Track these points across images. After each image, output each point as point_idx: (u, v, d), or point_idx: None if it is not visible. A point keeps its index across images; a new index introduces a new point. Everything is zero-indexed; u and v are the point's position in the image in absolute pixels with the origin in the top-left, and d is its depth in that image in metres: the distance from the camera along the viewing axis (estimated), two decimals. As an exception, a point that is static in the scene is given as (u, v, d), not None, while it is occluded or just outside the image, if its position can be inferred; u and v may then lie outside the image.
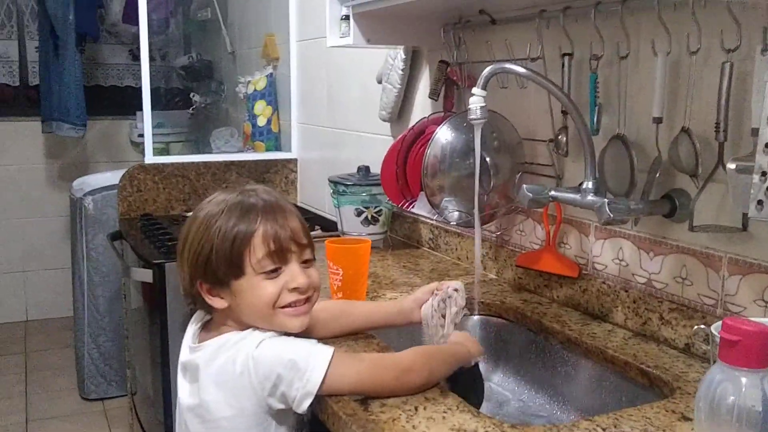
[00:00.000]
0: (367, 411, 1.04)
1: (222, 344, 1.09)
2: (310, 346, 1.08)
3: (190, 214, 1.17)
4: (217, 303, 1.11)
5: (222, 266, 1.09)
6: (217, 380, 1.08)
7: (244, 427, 1.08)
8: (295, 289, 1.11)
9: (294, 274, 1.11)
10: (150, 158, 2.79)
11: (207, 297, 1.11)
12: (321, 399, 1.08)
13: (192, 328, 1.19)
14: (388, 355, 1.19)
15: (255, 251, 1.08)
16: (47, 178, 4.39)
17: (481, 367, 1.30)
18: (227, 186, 1.22)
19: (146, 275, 2.16)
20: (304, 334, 1.15)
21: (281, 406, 1.07)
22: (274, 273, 1.10)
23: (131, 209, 2.75)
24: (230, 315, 1.13)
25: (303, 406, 1.05)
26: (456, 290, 1.30)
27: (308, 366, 1.05)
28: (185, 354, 1.16)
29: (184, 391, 1.14)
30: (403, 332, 1.45)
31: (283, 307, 1.11)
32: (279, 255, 1.10)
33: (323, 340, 1.20)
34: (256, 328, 1.11)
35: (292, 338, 1.10)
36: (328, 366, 1.05)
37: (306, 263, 1.14)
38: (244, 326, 1.12)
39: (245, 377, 1.05)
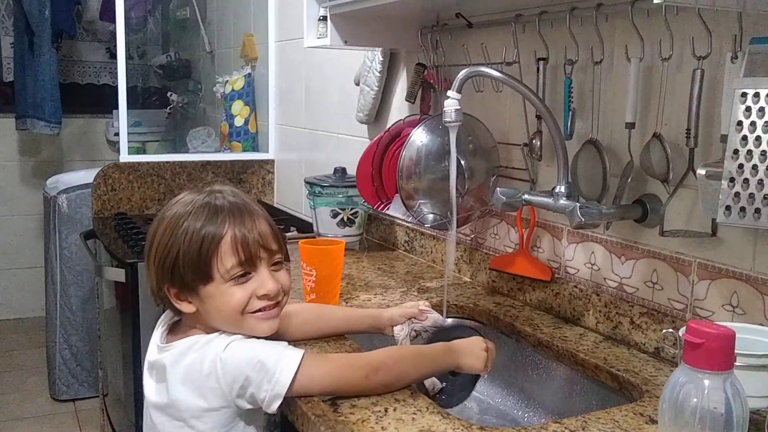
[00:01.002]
0: (336, 412, 1.04)
1: (190, 346, 1.08)
2: (279, 348, 1.07)
3: (158, 214, 1.15)
4: (185, 307, 1.10)
5: (189, 272, 1.07)
6: (184, 380, 1.07)
7: (211, 425, 1.07)
8: (264, 296, 1.10)
9: (263, 280, 1.10)
10: (125, 157, 2.76)
11: (174, 301, 1.10)
12: (290, 400, 1.07)
13: (160, 329, 1.18)
14: (357, 355, 1.19)
15: (223, 258, 1.06)
16: (21, 176, 4.34)
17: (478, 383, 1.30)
18: (196, 186, 1.17)
19: (119, 275, 2.14)
20: (277, 335, 1.14)
21: (250, 407, 1.06)
22: (243, 278, 1.09)
23: (105, 208, 2.72)
24: (198, 319, 1.12)
25: (272, 407, 1.05)
26: (433, 327, 1.33)
27: (277, 368, 1.04)
28: (153, 353, 1.15)
29: (151, 390, 1.13)
30: (375, 336, 1.45)
31: (252, 312, 1.10)
32: (248, 262, 1.08)
33: (295, 342, 1.20)
34: (224, 331, 1.10)
35: (261, 341, 1.09)
36: (298, 367, 1.04)
37: (275, 266, 1.12)
38: (211, 330, 1.11)
39: (213, 378, 1.04)
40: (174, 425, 1.09)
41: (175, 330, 1.16)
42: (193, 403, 1.06)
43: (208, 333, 1.10)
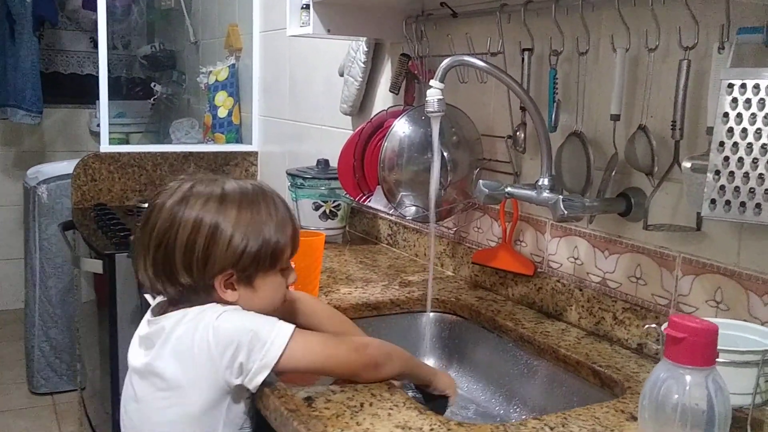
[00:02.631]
0: (310, 407, 1.01)
1: (183, 316, 1.06)
2: (272, 320, 1.06)
3: (215, 194, 1.08)
4: (229, 296, 1.08)
5: (268, 259, 1.09)
6: (175, 350, 1.05)
7: (198, 398, 1.04)
8: (289, 285, 1.16)
9: (293, 272, 1.16)
10: (105, 147, 2.72)
11: (221, 289, 1.08)
12: (264, 395, 1.05)
13: (149, 312, 1.16)
14: (347, 336, 1.21)
15: (284, 248, 1.11)
16: (2, 166, 4.27)
17: (431, 364, 1.28)
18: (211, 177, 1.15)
19: (96, 266, 2.10)
20: (287, 318, 1.13)
21: (237, 381, 1.04)
22: (287, 269, 1.14)
23: (85, 199, 2.67)
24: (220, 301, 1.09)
25: (256, 381, 1.03)
26: None
27: (269, 337, 1.03)
28: (143, 329, 1.13)
29: (138, 358, 1.11)
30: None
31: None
32: (293, 253, 1.15)
33: None
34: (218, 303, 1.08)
35: (253, 313, 1.08)
36: (289, 339, 1.03)
37: None
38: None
39: (204, 346, 1.02)
40: (160, 396, 1.07)
41: (165, 309, 1.13)
42: (182, 372, 1.04)
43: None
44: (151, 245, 1.07)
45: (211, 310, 1.06)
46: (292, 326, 1.06)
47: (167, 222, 1.06)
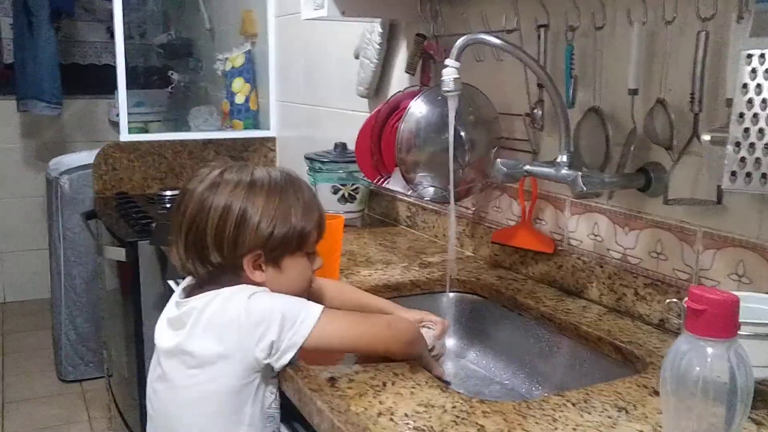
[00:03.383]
0: (333, 387, 1.02)
1: (214, 296, 1.09)
2: (302, 301, 1.10)
3: (244, 181, 1.11)
4: (257, 276, 1.12)
5: (294, 240, 1.12)
6: (206, 327, 1.07)
7: (227, 376, 1.06)
8: (314, 270, 1.20)
9: (318, 258, 1.19)
10: (125, 136, 2.74)
11: (249, 268, 1.11)
12: (288, 375, 1.06)
13: (176, 294, 1.18)
14: (376, 315, 1.25)
15: (312, 232, 1.15)
16: (24, 158, 4.32)
17: (452, 344, 1.29)
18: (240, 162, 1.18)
19: (119, 254, 2.12)
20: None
21: (267, 360, 1.06)
22: (312, 255, 1.18)
23: (106, 188, 2.70)
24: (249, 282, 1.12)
25: (284, 359, 1.05)
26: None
27: (299, 317, 1.05)
28: (171, 310, 1.15)
29: (165, 338, 1.13)
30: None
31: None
32: (320, 238, 1.18)
33: None
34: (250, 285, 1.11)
35: (284, 294, 1.11)
36: (319, 317, 1.06)
37: None
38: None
39: (235, 323, 1.05)
40: (188, 374, 1.09)
41: (192, 292, 1.15)
42: (212, 350, 1.06)
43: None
44: (183, 229, 1.11)
45: (244, 290, 1.09)
46: (320, 306, 1.08)
47: (198, 206, 1.10)
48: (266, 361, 1.06)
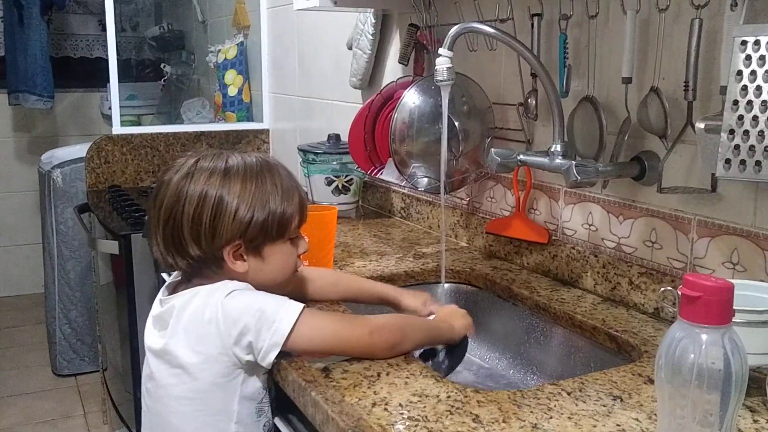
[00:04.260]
0: (328, 378, 1.01)
1: (194, 294, 1.08)
2: (281, 299, 1.07)
3: (219, 168, 1.09)
4: (239, 266, 1.09)
5: (274, 228, 1.09)
6: (186, 327, 1.06)
7: (209, 375, 1.06)
8: (300, 255, 1.17)
9: (303, 241, 1.17)
10: (117, 129, 2.72)
11: (230, 259, 1.08)
12: (281, 367, 1.05)
13: (161, 291, 1.17)
14: (359, 315, 1.18)
15: (293, 217, 1.12)
16: (16, 152, 4.30)
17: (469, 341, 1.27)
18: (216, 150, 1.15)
19: (112, 247, 2.11)
20: (298, 298, 1.13)
21: (249, 358, 1.04)
22: (297, 239, 1.15)
23: (99, 181, 2.69)
24: (235, 279, 1.10)
25: (268, 359, 1.03)
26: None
27: (277, 316, 1.03)
28: (156, 308, 1.14)
29: (153, 338, 1.12)
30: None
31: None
32: (302, 222, 1.15)
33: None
34: (230, 281, 1.09)
35: (263, 292, 1.09)
36: (298, 318, 1.03)
37: None
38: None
39: (213, 324, 1.03)
40: (172, 373, 1.08)
41: (176, 288, 1.14)
42: (192, 350, 1.05)
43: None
44: (160, 221, 1.09)
45: (222, 288, 1.06)
46: (300, 305, 1.06)
47: (173, 197, 1.07)
48: (248, 359, 1.05)
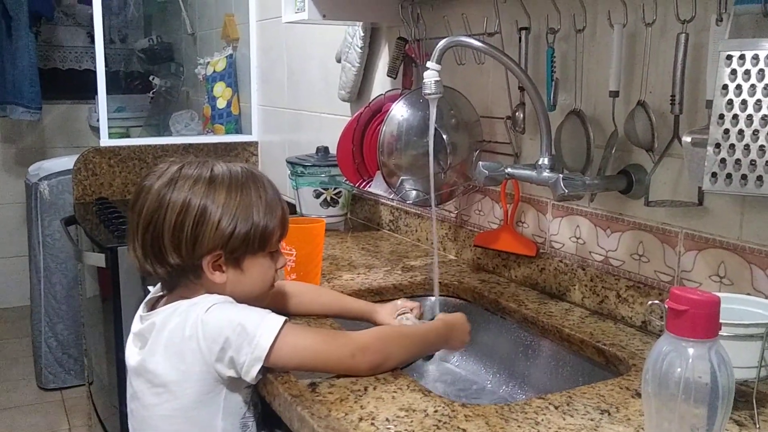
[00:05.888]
0: (314, 392, 1.01)
1: (174, 310, 1.06)
2: (262, 312, 1.05)
3: (204, 176, 1.07)
4: (217, 277, 1.08)
5: (257, 240, 1.08)
6: (166, 344, 1.04)
7: (191, 392, 1.04)
8: (278, 269, 1.16)
9: (281, 256, 1.17)
10: (105, 141, 2.71)
11: (209, 270, 1.07)
12: (268, 381, 1.04)
13: (141, 306, 1.15)
14: (344, 332, 1.15)
15: (274, 231, 1.11)
16: (3, 164, 4.27)
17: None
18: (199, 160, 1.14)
19: (99, 260, 2.10)
20: (275, 310, 1.11)
21: (231, 373, 1.03)
22: (276, 253, 1.14)
23: (86, 193, 2.67)
24: (213, 290, 1.08)
25: (251, 374, 1.02)
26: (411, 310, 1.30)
27: (257, 331, 1.01)
28: (136, 325, 1.12)
29: (133, 357, 1.10)
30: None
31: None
32: (282, 237, 1.14)
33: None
34: (209, 294, 1.07)
35: (244, 305, 1.07)
36: (279, 332, 1.02)
37: None
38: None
39: (193, 341, 1.02)
40: (154, 392, 1.06)
41: (156, 304, 1.13)
42: (174, 367, 1.04)
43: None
44: (140, 227, 1.07)
45: (202, 303, 1.05)
46: (282, 319, 1.04)
47: (155, 204, 1.05)
48: (230, 374, 1.03)
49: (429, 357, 1.28)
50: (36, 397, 3.18)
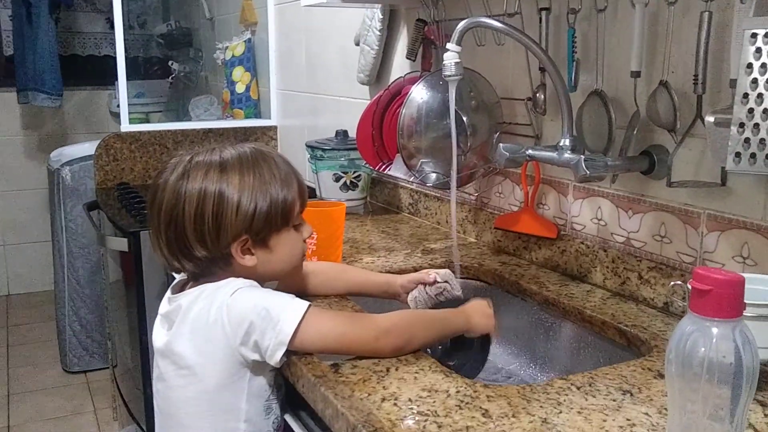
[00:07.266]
0: (337, 373, 1.01)
1: (200, 293, 1.07)
2: (286, 297, 1.06)
3: (214, 162, 1.07)
4: (248, 260, 1.09)
5: (277, 216, 1.08)
6: (192, 327, 1.06)
7: (216, 375, 1.05)
8: (305, 240, 1.16)
9: (306, 226, 1.16)
10: (126, 126, 2.73)
11: (239, 255, 1.08)
12: (291, 361, 1.05)
13: (171, 287, 1.17)
14: (367, 315, 1.16)
15: (294, 204, 1.11)
16: (25, 150, 4.32)
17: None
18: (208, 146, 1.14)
19: (121, 244, 2.12)
20: (299, 292, 1.13)
21: (255, 357, 1.04)
22: (300, 225, 1.14)
23: (108, 179, 2.70)
24: (245, 273, 1.09)
25: (276, 357, 1.03)
26: (447, 282, 1.28)
27: (282, 315, 1.02)
28: (164, 306, 1.14)
29: (160, 338, 1.12)
30: (387, 303, 1.41)
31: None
32: (303, 208, 1.14)
33: (313, 299, 1.20)
34: (236, 278, 1.08)
35: (269, 290, 1.08)
36: (303, 317, 1.02)
37: None
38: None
39: (218, 324, 1.03)
40: (179, 374, 1.08)
41: (185, 286, 1.14)
42: (198, 350, 1.05)
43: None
44: (162, 224, 1.07)
45: (226, 286, 1.06)
46: (306, 304, 1.05)
47: (173, 199, 1.06)
48: (254, 358, 1.04)
49: (483, 363, 1.24)
50: (61, 380, 3.23)
